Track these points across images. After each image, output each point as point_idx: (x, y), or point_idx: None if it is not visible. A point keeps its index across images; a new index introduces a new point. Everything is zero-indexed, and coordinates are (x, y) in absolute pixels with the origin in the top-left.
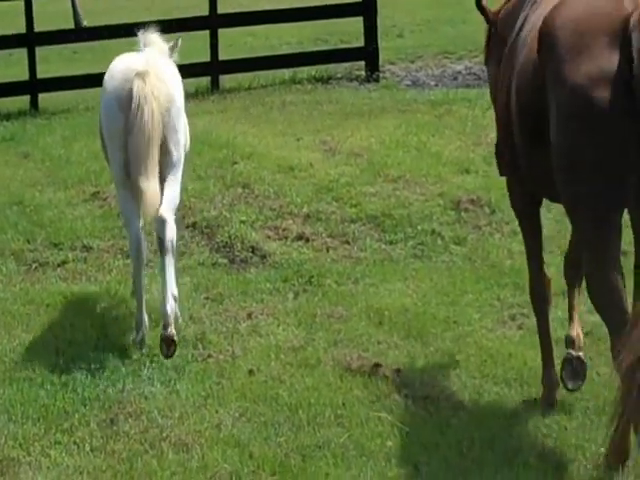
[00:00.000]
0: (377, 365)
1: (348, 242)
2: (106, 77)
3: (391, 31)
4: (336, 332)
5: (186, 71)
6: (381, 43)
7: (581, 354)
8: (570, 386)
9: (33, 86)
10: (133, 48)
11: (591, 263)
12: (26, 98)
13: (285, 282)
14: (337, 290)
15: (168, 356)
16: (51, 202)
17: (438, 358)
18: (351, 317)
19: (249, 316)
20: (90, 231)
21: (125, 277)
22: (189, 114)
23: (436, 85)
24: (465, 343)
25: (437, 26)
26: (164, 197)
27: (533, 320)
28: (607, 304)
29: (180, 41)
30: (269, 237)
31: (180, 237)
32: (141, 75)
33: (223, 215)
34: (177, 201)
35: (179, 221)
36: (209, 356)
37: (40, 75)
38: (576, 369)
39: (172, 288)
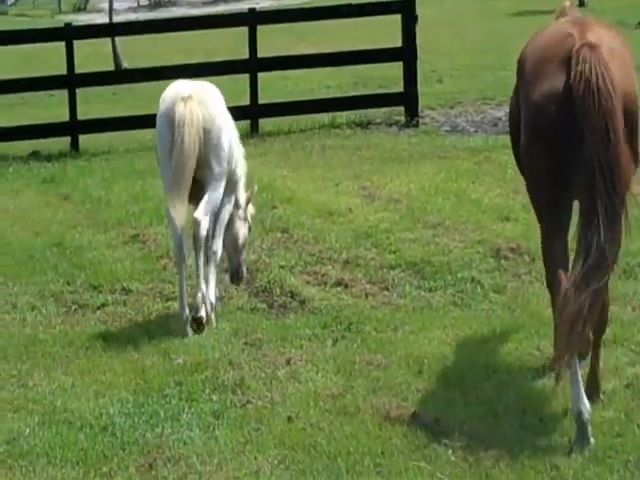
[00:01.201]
0: (416, 414)
1: (387, 288)
2: (160, 100)
3: (430, 76)
4: (375, 380)
5: None
6: (420, 88)
7: None
8: None
9: (73, 127)
10: None
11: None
12: (66, 139)
13: (324, 328)
14: (376, 337)
15: (197, 332)
16: (91, 244)
17: (478, 407)
18: (390, 365)
19: (288, 362)
20: (130, 274)
21: (164, 320)
22: None
23: (476, 131)
24: (505, 392)
25: (476, 71)
26: (202, 202)
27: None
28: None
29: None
30: (308, 282)
31: (220, 280)
32: (184, 99)
33: (262, 259)
34: (215, 206)
35: (219, 265)
36: (248, 402)
37: (80, 116)
38: None
39: (207, 277)
